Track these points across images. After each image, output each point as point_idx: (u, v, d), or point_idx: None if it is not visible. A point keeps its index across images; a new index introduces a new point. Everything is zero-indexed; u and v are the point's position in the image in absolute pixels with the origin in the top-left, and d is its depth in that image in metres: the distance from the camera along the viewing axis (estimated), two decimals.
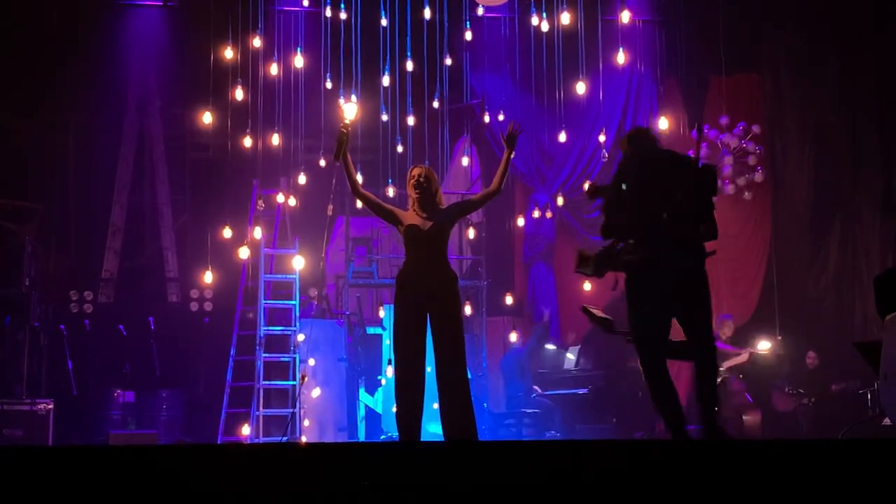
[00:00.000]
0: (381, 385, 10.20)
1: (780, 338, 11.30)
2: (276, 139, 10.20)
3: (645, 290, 5.56)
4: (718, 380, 10.66)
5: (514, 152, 6.39)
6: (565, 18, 10.05)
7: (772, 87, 12.21)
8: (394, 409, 6.55)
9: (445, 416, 6.27)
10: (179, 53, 11.58)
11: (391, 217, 6.41)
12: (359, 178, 6.46)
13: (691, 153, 5.76)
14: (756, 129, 11.49)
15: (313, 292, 11.19)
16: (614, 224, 5.70)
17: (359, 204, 7.07)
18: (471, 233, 11.14)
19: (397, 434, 6.43)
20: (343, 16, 10.12)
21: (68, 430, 9.80)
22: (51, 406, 9.58)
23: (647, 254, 5.51)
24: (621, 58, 10.19)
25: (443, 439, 6.46)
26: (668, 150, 5.87)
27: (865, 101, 11.86)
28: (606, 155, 10.87)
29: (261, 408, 9.81)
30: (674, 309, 5.59)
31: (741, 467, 3.73)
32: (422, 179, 6.33)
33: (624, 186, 5.61)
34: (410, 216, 6.37)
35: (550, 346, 11.82)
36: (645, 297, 5.57)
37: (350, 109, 7.35)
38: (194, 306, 11.43)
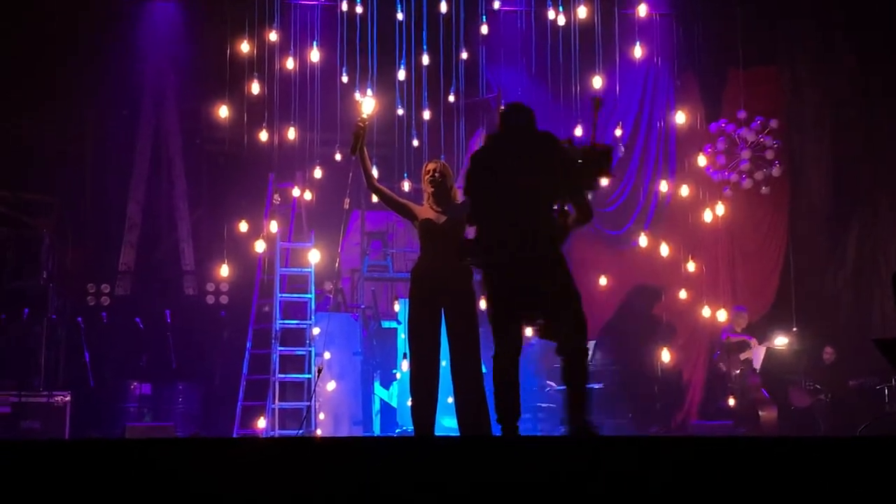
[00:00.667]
0: (396, 379, 10.21)
1: (795, 330, 11.25)
2: (291, 133, 10.21)
3: (491, 284, 5.35)
4: (736, 371, 10.73)
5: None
6: (582, 12, 10.02)
7: (789, 80, 12.14)
8: (409, 403, 6.56)
9: (460, 411, 6.28)
10: (196, 47, 11.59)
11: (406, 211, 6.42)
12: (374, 172, 6.46)
13: (580, 135, 5.54)
14: (774, 123, 11.43)
15: (329, 286, 11.21)
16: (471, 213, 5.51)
17: (374, 198, 7.08)
18: None
19: (412, 428, 6.44)
20: (359, 9, 10.12)
21: (85, 422, 9.85)
22: (68, 398, 9.63)
23: (490, 245, 5.31)
24: (638, 51, 10.16)
25: (457, 433, 6.47)
26: (534, 132, 5.50)
27: (884, 94, 11.77)
28: (623, 149, 10.83)
29: (276, 401, 9.83)
30: (527, 304, 5.33)
31: (760, 464, 3.71)
32: (437, 174, 6.34)
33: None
34: (425, 210, 6.38)
35: None
36: (494, 291, 5.36)
37: (367, 104, 7.35)
38: (210, 299, 11.47)
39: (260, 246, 10.07)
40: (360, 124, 6.19)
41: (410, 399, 6.37)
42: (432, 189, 6.34)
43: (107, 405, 10.53)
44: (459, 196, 6.45)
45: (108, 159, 11.99)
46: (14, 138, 11.43)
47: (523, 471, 3.59)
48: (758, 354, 10.80)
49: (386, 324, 10.55)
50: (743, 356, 10.79)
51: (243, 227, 10.11)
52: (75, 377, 10.26)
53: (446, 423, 8.85)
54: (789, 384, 11.17)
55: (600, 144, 5.56)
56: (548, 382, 10.95)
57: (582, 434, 5.20)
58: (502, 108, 5.71)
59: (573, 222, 5.40)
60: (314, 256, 10.25)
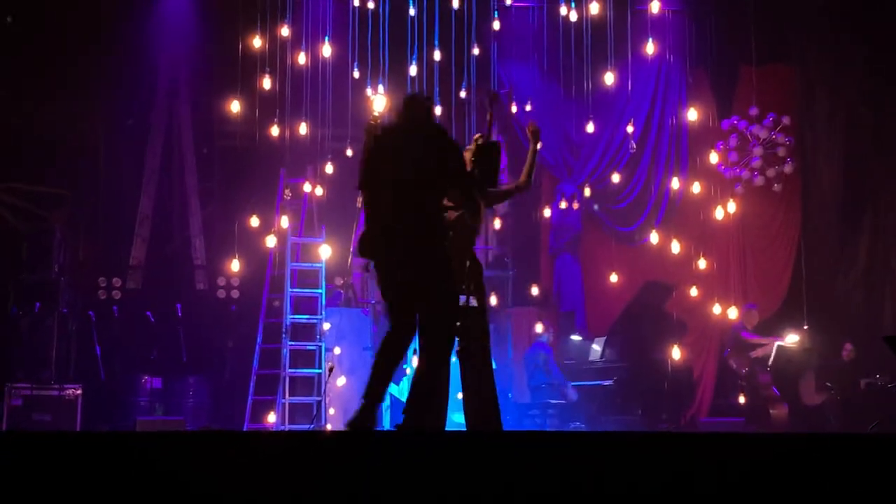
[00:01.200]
0: (405, 374, 10.21)
1: (806, 327, 11.22)
2: (303, 128, 10.22)
3: (377, 275, 5.33)
4: (745, 370, 10.70)
5: (539, 144, 6.37)
6: (594, 8, 10.00)
7: (801, 77, 12.10)
8: None
9: (469, 407, 6.27)
10: (208, 42, 11.60)
11: None
12: None
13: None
14: (786, 120, 11.39)
15: (339, 281, 11.22)
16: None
17: None
18: (497, 223, 11.12)
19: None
20: (371, 5, 10.12)
21: (96, 415, 9.89)
22: (79, 391, 9.67)
23: (371, 237, 5.26)
24: (650, 48, 10.13)
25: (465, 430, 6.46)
26: (423, 126, 5.39)
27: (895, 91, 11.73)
28: (634, 145, 10.81)
29: (287, 395, 9.85)
30: (394, 297, 5.24)
31: (771, 461, 3.70)
32: None
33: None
34: None
35: (576, 337, 11.80)
36: (380, 282, 5.34)
37: (378, 102, 7.34)
38: (221, 294, 11.48)
39: (271, 241, 10.09)
40: (372, 122, 6.20)
41: None
42: None
43: (118, 398, 10.56)
44: None
45: (121, 153, 12.01)
46: (26, 132, 11.46)
47: (531, 467, 3.59)
48: (769, 352, 10.78)
49: None
50: (754, 354, 10.77)
51: (254, 222, 10.13)
52: (86, 370, 10.29)
53: (457, 418, 8.85)
54: (801, 382, 11.13)
55: (487, 139, 5.53)
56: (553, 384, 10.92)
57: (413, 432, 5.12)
58: (404, 100, 5.60)
59: (469, 217, 5.45)
60: (325, 252, 10.26)
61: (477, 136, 5.82)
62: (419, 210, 5.15)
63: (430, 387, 5.25)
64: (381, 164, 5.29)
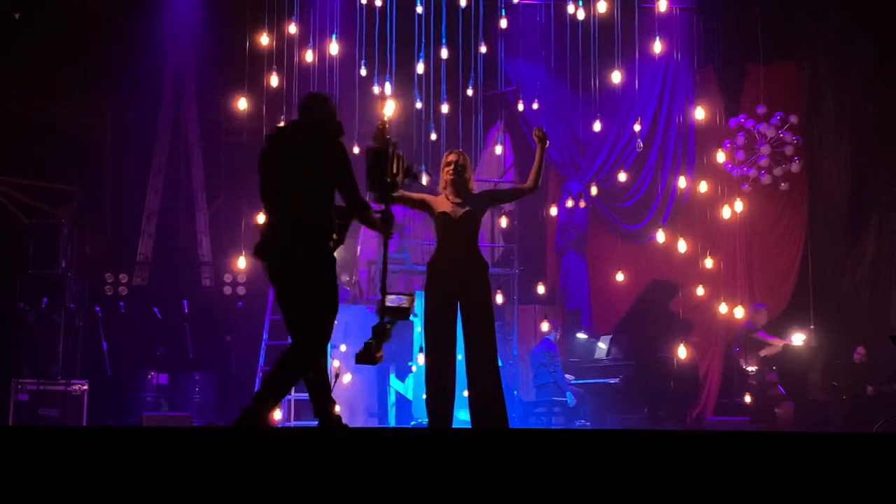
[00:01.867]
0: (411, 372, 10.22)
1: (812, 327, 11.21)
2: None
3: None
4: (754, 369, 10.70)
5: (546, 146, 6.37)
6: (601, 6, 9.98)
7: (809, 75, 12.07)
8: (424, 397, 6.56)
9: (474, 405, 6.28)
10: (216, 38, 11.63)
11: (424, 206, 6.42)
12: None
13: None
14: (793, 118, 11.37)
15: (346, 278, 11.22)
16: None
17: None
18: (503, 221, 11.12)
19: (427, 420, 6.45)
20: (378, 2, 10.12)
21: (103, 411, 9.93)
22: (86, 387, 9.70)
23: (265, 238, 5.29)
24: (657, 46, 10.11)
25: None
26: (320, 124, 5.35)
27: None
28: (641, 144, 10.80)
29: (292, 392, 9.85)
30: (281, 299, 5.30)
31: (776, 459, 3.70)
32: (458, 166, 6.36)
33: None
34: (442, 202, 6.39)
35: (582, 335, 11.80)
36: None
37: (388, 107, 7.31)
38: (228, 290, 11.51)
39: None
40: (381, 127, 6.19)
41: (426, 392, 6.37)
42: (452, 180, 6.35)
43: (124, 394, 10.60)
44: (476, 188, 6.49)
45: (128, 149, 12.06)
46: (34, 127, 11.50)
47: (537, 465, 3.60)
48: (777, 351, 10.78)
49: None
50: (763, 353, 10.75)
51: (261, 218, 10.13)
52: (93, 366, 10.33)
53: (463, 416, 8.86)
54: (807, 381, 11.13)
55: (377, 145, 5.46)
56: (566, 377, 10.93)
57: (335, 426, 5.33)
58: (301, 99, 5.60)
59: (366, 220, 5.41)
60: None
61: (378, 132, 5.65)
62: (298, 212, 5.15)
63: (279, 373, 5.34)
64: (271, 167, 5.30)
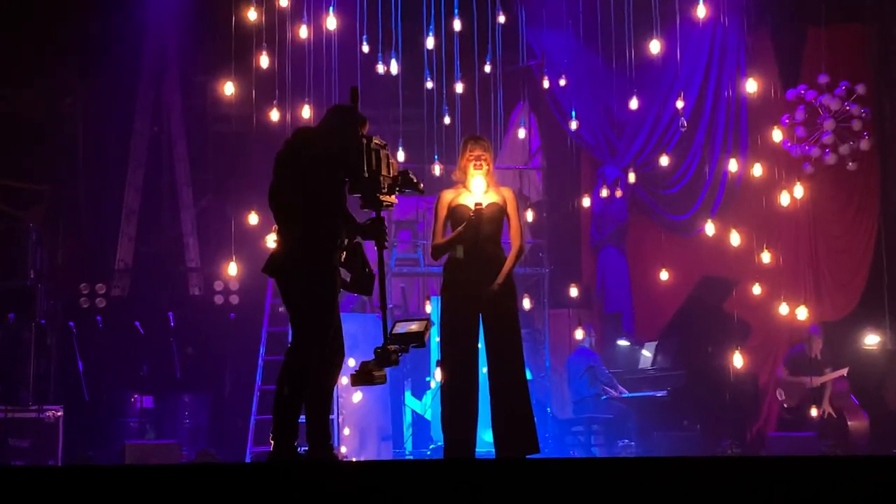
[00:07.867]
0: (429, 388, 10.23)
1: (888, 328, 11.15)
2: (306, 111, 10.19)
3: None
4: (789, 404, 10.66)
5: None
6: None
7: (878, 39, 11.98)
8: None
9: (500, 426, 6.25)
10: (199, 16, 11.63)
11: (453, 214, 6.42)
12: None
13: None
14: (860, 88, 11.29)
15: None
16: None
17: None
18: (529, 214, 11.08)
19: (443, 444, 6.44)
20: None
21: (80, 440, 9.97)
22: (60, 413, 9.72)
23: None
24: (702, 9, 10.03)
25: (494, 451, 6.43)
26: (328, 133, 5.75)
27: None
28: (685, 123, 10.73)
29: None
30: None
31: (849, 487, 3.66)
32: (485, 161, 6.39)
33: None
34: (461, 196, 6.39)
35: (623, 343, 11.77)
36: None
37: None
38: (219, 300, 11.54)
39: (272, 240, 10.08)
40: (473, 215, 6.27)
41: (442, 412, 6.35)
42: (476, 174, 6.36)
43: (104, 421, 10.65)
44: (498, 177, 6.55)
45: (103, 141, 12.09)
46: None
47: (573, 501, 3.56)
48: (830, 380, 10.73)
49: None
50: (817, 381, 10.67)
51: (253, 218, 10.13)
52: (68, 389, 10.37)
53: (487, 437, 8.85)
54: (884, 389, 11.06)
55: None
56: (604, 388, 10.90)
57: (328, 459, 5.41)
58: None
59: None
60: None
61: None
62: (291, 222, 5.69)
63: (287, 391, 5.56)
64: (282, 169, 5.80)
